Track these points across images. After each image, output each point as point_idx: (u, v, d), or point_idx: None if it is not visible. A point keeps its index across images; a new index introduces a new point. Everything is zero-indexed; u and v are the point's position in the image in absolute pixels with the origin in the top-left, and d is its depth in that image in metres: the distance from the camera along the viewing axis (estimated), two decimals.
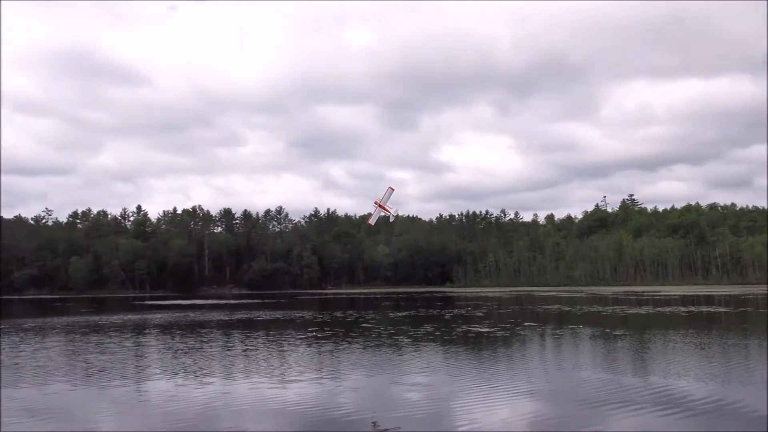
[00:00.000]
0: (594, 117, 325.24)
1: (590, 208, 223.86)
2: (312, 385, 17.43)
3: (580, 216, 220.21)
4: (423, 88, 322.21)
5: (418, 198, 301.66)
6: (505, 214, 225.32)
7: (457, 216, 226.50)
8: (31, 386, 17.62)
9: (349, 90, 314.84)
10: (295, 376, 19.04)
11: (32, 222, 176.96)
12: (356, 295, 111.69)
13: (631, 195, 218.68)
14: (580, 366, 20.28)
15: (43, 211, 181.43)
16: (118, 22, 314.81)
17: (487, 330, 33.58)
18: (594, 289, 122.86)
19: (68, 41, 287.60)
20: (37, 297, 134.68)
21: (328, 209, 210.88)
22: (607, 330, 32.20)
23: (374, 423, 13.16)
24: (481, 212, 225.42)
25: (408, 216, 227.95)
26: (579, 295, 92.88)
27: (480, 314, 48.25)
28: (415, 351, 24.70)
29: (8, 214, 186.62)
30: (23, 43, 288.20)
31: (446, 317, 44.86)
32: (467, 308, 57.99)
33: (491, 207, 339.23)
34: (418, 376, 18.70)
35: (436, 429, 12.67)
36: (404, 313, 50.77)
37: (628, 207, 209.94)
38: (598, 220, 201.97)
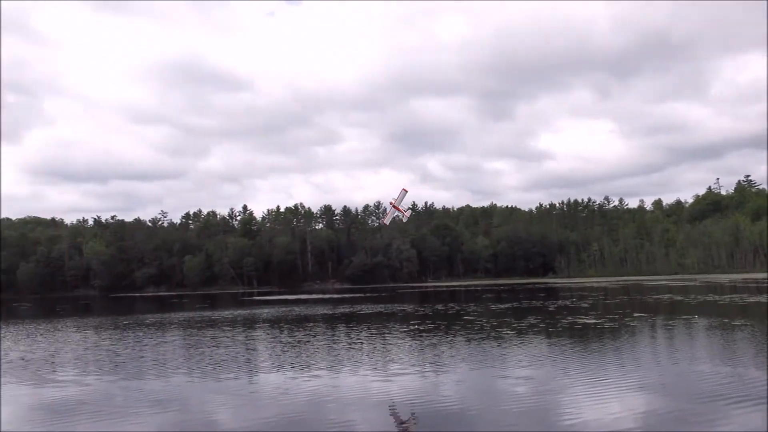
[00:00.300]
0: (703, 95, 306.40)
1: (701, 191, 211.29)
2: (416, 378, 17.56)
3: (690, 200, 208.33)
4: (518, 76, 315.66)
5: (516, 188, 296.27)
6: (608, 201, 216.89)
7: (557, 205, 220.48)
8: (154, 378, 18.86)
9: (443, 82, 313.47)
10: (399, 368, 19.25)
11: (150, 224, 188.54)
12: (456, 288, 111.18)
13: (748, 176, 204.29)
14: (696, 359, 19.21)
15: (159, 214, 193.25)
16: (221, 30, 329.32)
17: (593, 321, 32.50)
18: (709, 277, 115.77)
19: (177, 53, 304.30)
20: (156, 294, 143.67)
21: (426, 202, 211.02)
22: (726, 320, 30.29)
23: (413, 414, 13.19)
24: (582, 200, 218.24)
25: (506, 206, 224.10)
26: (692, 283, 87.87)
27: (585, 305, 46.76)
28: (518, 343, 24.31)
29: (128, 218, 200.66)
30: (138, 59, 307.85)
31: (550, 309, 43.80)
32: (572, 299, 56.34)
33: (594, 194, 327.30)
34: (523, 369, 18.40)
35: (542, 423, 12.43)
36: (506, 305, 50.04)
37: (744, 189, 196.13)
38: (711, 204, 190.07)
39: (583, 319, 34.21)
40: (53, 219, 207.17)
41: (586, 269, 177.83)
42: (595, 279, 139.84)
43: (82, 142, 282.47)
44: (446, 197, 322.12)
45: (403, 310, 49.10)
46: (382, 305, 57.14)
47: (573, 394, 14.84)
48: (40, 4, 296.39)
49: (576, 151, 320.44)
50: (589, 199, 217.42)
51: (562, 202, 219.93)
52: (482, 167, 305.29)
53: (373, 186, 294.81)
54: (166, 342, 28.98)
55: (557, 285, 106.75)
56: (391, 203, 32.21)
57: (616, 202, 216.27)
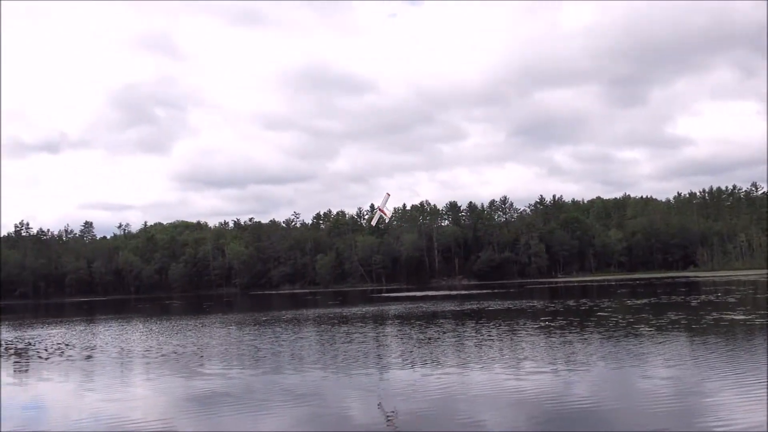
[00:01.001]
0: None
1: None
2: (547, 376, 17.06)
3: None
4: (650, 60, 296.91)
5: (650, 177, 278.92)
6: (756, 188, 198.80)
7: (698, 193, 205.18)
8: (292, 372, 19.72)
9: (569, 71, 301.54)
10: (530, 365, 18.79)
11: (284, 225, 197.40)
12: (588, 283, 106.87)
13: None
14: None
15: (293, 215, 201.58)
16: (345, 35, 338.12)
17: (742, 318, 29.95)
18: None
19: (304, 60, 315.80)
20: (291, 291, 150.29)
21: (554, 196, 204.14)
22: None
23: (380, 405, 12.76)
24: (727, 187, 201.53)
25: (641, 197, 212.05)
26: None
27: (732, 300, 43.19)
28: (658, 341, 22.91)
29: (265, 219, 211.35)
30: (269, 68, 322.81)
31: (692, 304, 40.90)
32: (716, 294, 52.27)
33: (739, 181, 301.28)
34: (663, 369, 17.31)
35: (688, 426, 11.60)
36: (643, 301, 47.34)
37: None
38: None
39: (730, 315, 31.62)
40: (198, 222, 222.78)
41: (732, 262, 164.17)
42: (742, 272, 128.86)
43: (223, 150, 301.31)
44: (575, 190, 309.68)
45: (533, 306, 47.91)
46: (511, 301, 56.10)
47: (720, 396, 13.74)
48: (183, 23, 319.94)
49: (718, 135, 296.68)
50: (734, 186, 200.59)
51: (704, 191, 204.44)
52: (613, 157, 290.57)
53: (498, 181, 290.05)
54: (301, 338, 30.20)
55: (699, 279, 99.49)
56: (377, 206, 35.84)
57: (765, 189, 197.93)
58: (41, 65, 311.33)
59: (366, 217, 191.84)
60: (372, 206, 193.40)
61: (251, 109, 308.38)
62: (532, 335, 26.80)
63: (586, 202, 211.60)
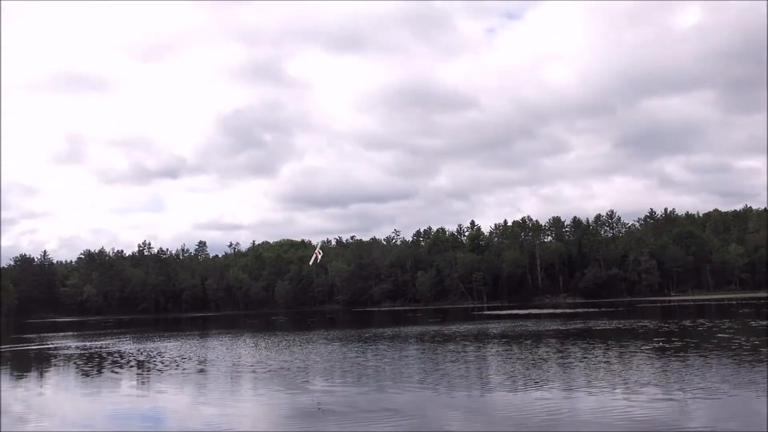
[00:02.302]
0: None
1: None
2: (662, 401, 16.10)
3: None
4: None
5: None
6: None
7: None
8: (394, 389, 19.79)
9: (679, 77, 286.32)
10: (640, 388, 17.83)
11: (384, 242, 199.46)
12: (705, 302, 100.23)
13: None
14: None
15: (393, 232, 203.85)
16: (443, 52, 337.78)
17: None
18: None
19: (403, 79, 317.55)
20: (392, 308, 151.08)
21: (666, 209, 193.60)
22: None
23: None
24: None
25: (764, 209, 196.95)
26: None
27: None
28: None
29: (366, 237, 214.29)
30: (369, 89, 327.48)
31: None
32: None
33: None
34: None
35: None
36: None
37: None
38: None
39: None
40: (303, 241, 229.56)
41: None
42: None
43: (326, 170, 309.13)
44: (689, 202, 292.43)
45: (644, 326, 45.51)
46: (620, 321, 53.58)
47: None
48: (287, 51, 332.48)
49: None
50: None
51: None
52: (731, 166, 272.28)
53: (604, 194, 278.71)
54: (403, 355, 30.27)
55: None
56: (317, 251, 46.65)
57: None
58: (162, 95, 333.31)
59: (467, 234, 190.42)
60: (472, 222, 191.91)
61: (353, 130, 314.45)
62: (644, 357, 25.44)
63: (701, 215, 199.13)
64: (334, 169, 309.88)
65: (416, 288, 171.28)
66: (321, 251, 34.85)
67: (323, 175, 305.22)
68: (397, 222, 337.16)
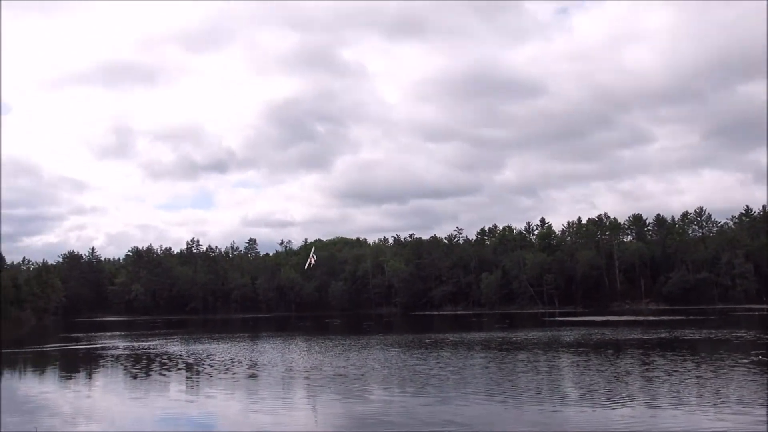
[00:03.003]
0: None
1: None
2: (754, 418, 15.39)
3: None
4: None
5: None
6: None
7: None
8: (456, 400, 19.64)
9: None
10: (741, 408, 17.10)
11: (446, 241, 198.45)
12: None
13: None
14: None
15: (455, 231, 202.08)
16: (511, 37, 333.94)
17: None
18: None
19: (467, 65, 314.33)
20: (454, 312, 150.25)
21: (764, 206, 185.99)
22: None
23: None
24: None
25: None
26: None
27: None
28: None
29: (425, 235, 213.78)
30: (431, 77, 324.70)
31: None
32: None
33: None
34: None
35: None
36: None
37: None
38: None
39: None
40: (358, 239, 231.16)
41: None
42: None
43: (383, 164, 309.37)
44: None
45: (740, 336, 43.77)
46: (711, 330, 51.70)
47: None
48: (342, 37, 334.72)
49: None
50: None
51: None
52: None
53: (692, 189, 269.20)
54: (467, 363, 30.05)
55: None
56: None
57: None
58: (210, 86, 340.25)
59: (536, 233, 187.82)
60: (542, 220, 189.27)
61: (412, 121, 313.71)
62: (743, 372, 24.42)
63: None
64: (391, 162, 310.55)
65: (480, 291, 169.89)
66: (315, 256, 38.86)
67: (380, 169, 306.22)
68: (460, 219, 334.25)
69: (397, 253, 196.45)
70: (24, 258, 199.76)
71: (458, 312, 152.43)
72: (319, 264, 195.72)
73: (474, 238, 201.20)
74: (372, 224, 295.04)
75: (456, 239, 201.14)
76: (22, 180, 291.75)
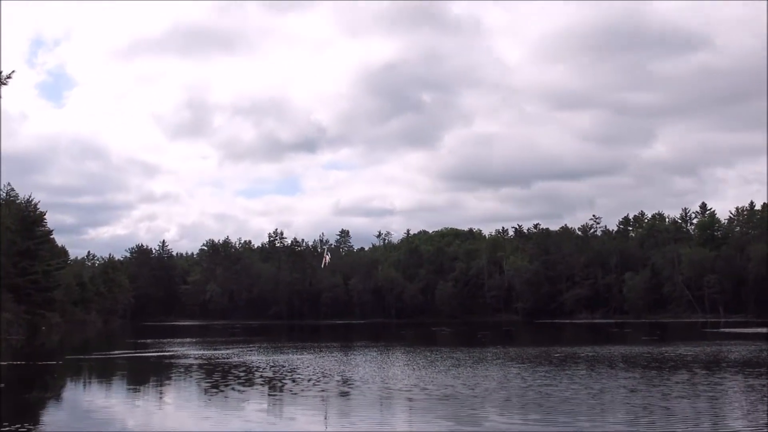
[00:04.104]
0: None
1: None
2: None
3: None
4: None
5: None
6: None
7: None
8: (590, 428, 19.10)
9: None
10: None
11: (580, 233, 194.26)
12: None
13: None
14: None
15: (591, 219, 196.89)
16: None
17: None
18: None
19: (606, 16, 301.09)
20: (589, 321, 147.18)
21: None
22: None
23: None
24: None
25: None
26: None
27: None
28: None
29: (554, 226, 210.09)
30: (562, 32, 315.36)
31: None
32: None
33: None
34: None
35: None
36: None
37: None
38: None
39: None
40: (471, 230, 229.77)
41: None
42: None
43: (502, 139, 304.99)
44: None
45: None
46: None
47: None
48: None
49: None
50: None
51: None
52: None
53: None
54: (607, 385, 29.32)
55: None
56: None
57: None
58: (297, 51, 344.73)
59: (695, 222, 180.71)
60: (703, 205, 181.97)
61: (537, 85, 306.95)
62: None
63: None
64: (512, 136, 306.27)
65: (623, 295, 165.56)
66: (329, 254, 38.29)
67: (498, 145, 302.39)
68: (597, 206, 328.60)
69: (518, 247, 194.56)
70: (89, 252, 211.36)
71: (595, 320, 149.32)
72: (425, 260, 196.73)
73: (615, 228, 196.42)
74: (488, 212, 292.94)
75: (592, 230, 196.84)
76: (87, 163, 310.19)
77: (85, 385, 34.16)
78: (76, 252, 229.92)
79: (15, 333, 77.59)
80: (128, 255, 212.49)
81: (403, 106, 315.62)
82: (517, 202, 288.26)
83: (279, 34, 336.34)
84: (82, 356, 52.08)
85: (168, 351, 56.13)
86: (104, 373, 39.26)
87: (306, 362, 42.53)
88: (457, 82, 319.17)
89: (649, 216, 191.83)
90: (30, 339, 74.15)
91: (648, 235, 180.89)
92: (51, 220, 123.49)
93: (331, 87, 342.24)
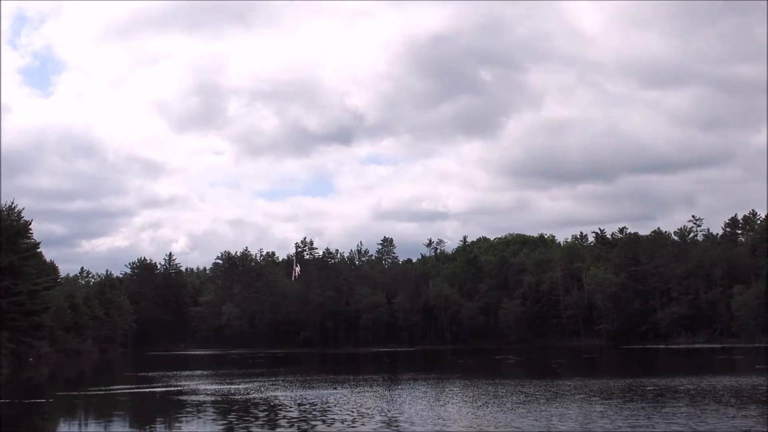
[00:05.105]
0: None
1: None
2: None
3: None
4: None
5: None
6: None
7: None
8: None
9: None
10: None
11: (676, 238, 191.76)
12: None
13: None
14: None
15: (690, 221, 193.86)
16: None
17: None
18: None
19: None
20: (689, 346, 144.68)
21: None
22: None
23: None
24: None
25: None
26: None
27: None
28: None
29: (644, 230, 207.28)
30: None
31: None
32: None
33: None
34: None
35: None
36: None
37: None
38: None
39: None
40: (542, 236, 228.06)
41: None
42: None
43: (578, 124, 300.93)
44: None
45: None
46: None
47: None
48: None
49: None
50: None
51: None
52: None
53: None
54: (713, 425, 28.87)
55: None
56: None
57: None
58: (327, 23, 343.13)
59: None
60: None
61: (622, 58, 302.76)
62: None
63: None
64: (591, 121, 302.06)
65: (731, 313, 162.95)
66: (299, 265, 38.10)
67: (574, 132, 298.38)
68: (698, 205, 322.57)
69: (600, 256, 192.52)
70: (82, 268, 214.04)
71: (696, 345, 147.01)
72: (485, 273, 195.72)
73: (720, 232, 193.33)
74: (563, 214, 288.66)
75: (692, 235, 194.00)
76: (80, 162, 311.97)
77: (80, 427, 34.46)
78: (67, 268, 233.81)
79: None
80: (129, 271, 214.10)
81: (457, 86, 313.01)
82: (599, 202, 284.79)
83: (306, 3, 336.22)
84: (75, 392, 52.66)
85: (176, 385, 56.47)
86: (102, 413, 39.54)
87: (341, 399, 42.38)
88: (523, 56, 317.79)
89: (762, 216, 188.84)
90: (15, 372, 75.28)
91: (761, 240, 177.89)
92: (37, 230, 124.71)
93: (369, 65, 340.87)
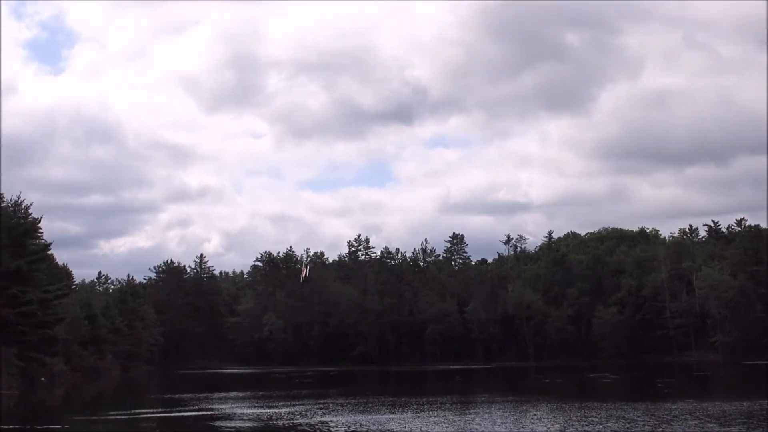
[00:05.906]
0: None
1: None
2: None
3: None
4: None
5: None
6: None
7: None
8: None
9: None
10: None
11: None
12: None
13: None
14: None
15: None
16: None
17: None
18: None
19: None
20: None
21: None
22: None
23: None
24: None
25: None
26: None
27: None
28: None
29: (766, 222, 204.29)
30: None
31: None
32: None
33: None
34: None
35: None
36: None
37: None
38: None
39: None
40: (643, 230, 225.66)
41: None
42: None
43: (684, 96, 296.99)
44: None
45: None
46: None
47: None
48: None
49: None
50: None
51: None
52: None
53: None
54: None
55: None
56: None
57: None
58: None
59: None
60: None
61: (736, 16, 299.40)
62: None
63: None
64: (700, 91, 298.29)
65: None
66: (308, 266, 37.56)
67: (679, 106, 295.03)
68: None
69: (715, 254, 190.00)
70: (100, 273, 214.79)
71: None
72: (575, 275, 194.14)
73: None
74: (668, 204, 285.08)
75: None
76: (94, 150, 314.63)
77: None
78: (83, 273, 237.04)
79: (5, 386, 78.18)
80: (154, 276, 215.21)
81: (539, 53, 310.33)
82: (712, 188, 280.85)
83: None
84: (94, 417, 53.31)
85: (210, 409, 56.92)
86: None
87: (404, 425, 42.34)
88: (617, 15, 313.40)
89: None
90: (25, 394, 76.30)
91: None
92: (49, 229, 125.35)
93: (432, 30, 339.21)
